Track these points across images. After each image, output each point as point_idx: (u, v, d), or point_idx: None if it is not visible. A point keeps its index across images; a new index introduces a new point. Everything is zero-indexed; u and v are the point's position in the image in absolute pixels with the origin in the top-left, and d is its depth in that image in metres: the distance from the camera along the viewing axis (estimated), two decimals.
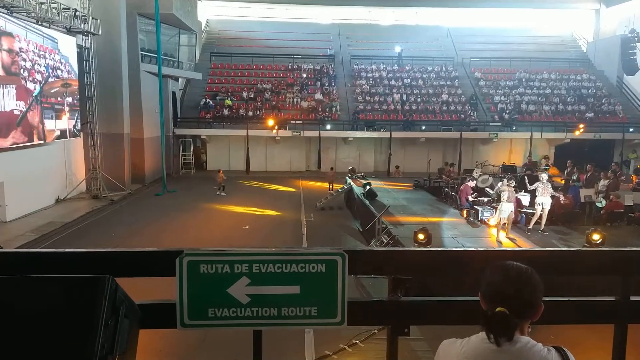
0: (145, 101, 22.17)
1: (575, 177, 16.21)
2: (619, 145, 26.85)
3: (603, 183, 14.20)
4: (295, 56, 31.99)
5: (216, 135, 26.91)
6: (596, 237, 9.54)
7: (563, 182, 16.15)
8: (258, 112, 27.96)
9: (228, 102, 28.40)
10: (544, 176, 12.13)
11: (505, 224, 11.24)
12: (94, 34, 18.50)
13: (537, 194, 11.80)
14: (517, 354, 1.50)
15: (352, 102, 29.17)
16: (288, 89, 29.80)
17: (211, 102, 28.28)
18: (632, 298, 2.22)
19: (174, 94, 26.58)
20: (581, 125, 25.69)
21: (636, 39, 29.16)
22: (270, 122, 26.07)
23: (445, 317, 2.25)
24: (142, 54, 22.14)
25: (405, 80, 30.97)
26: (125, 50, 20.26)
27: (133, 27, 21.14)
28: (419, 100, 29.38)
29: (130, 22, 20.79)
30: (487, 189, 14.60)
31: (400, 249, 2.38)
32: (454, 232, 11.36)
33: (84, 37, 18.35)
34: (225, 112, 27.72)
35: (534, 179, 15.48)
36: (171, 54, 25.43)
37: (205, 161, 28.21)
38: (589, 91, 30.11)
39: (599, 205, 13.46)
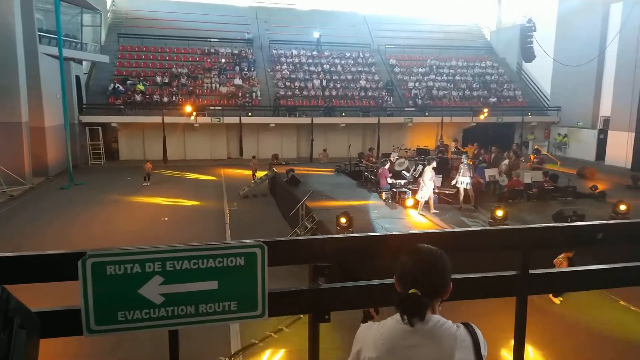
0: (46, 86, 20.26)
1: (480, 159, 17.16)
2: (518, 127, 29.00)
3: (505, 163, 15.19)
4: (211, 39, 30.91)
5: (128, 122, 25.35)
6: (499, 213, 10.41)
7: (470, 162, 17.67)
8: (174, 97, 26.73)
9: (140, 87, 26.83)
10: (464, 158, 13.23)
11: (426, 201, 12.01)
12: None
13: (459, 174, 12.88)
14: (429, 332, 1.58)
15: (272, 88, 28.85)
16: (205, 74, 28.81)
17: (121, 87, 26.52)
18: (531, 272, 2.40)
19: (77, 78, 24.51)
20: (485, 110, 27.10)
21: (533, 28, 31.45)
22: (188, 108, 25.05)
23: (363, 301, 2.32)
24: (40, 35, 20.13)
25: (324, 66, 31.18)
26: (19, 30, 18.27)
27: (28, 4, 19.10)
28: (338, 86, 29.65)
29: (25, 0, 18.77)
30: (403, 171, 15.16)
31: (318, 237, 2.40)
32: (374, 214, 11.75)
33: None
34: (138, 97, 26.15)
35: (445, 162, 16.49)
36: (73, 35, 23.42)
37: (118, 150, 26.55)
38: (492, 77, 32.24)
39: (501, 183, 14.43)
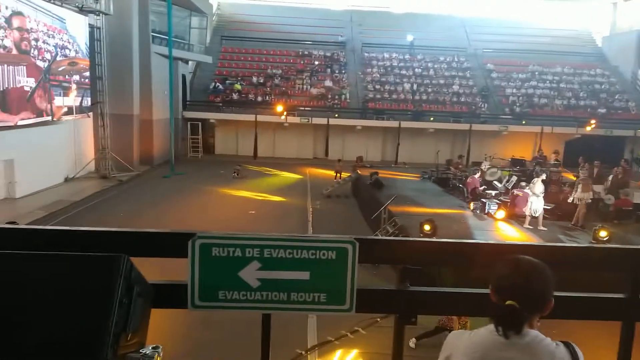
0: (155, 83, 22.18)
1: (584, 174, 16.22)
2: (630, 142, 26.75)
3: (609, 179, 14.30)
4: (305, 42, 31.74)
5: (225, 119, 26.91)
6: (603, 234, 9.59)
7: (575, 178, 15.86)
8: (267, 97, 27.89)
9: (237, 86, 28.35)
10: (582, 173, 12.49)
11: (534, 216, 11.40)
12: (105, 14, 18.47)
13: (576, 190, 12.01)
14: (525, 348, 1.52)
15: (362, 91, 28.95)
16: (298, 75, 29.68)
17: (221, 86, 28.24)
18: None
19: (184, 77, 26.56)
20: (592, 121, 25.28)
21: None
22: (279, 108, 26.01)
23: (453, 307, 2.28)
24: (153, 35, 22.09)
25: (416, 69, 30.70)
26: (136, 31, 20.22)
27: (145, 7, 21.06)
28: (429, 90, 29.10)
29: (142, 3, 20.72)
30: (495, 182, 14.64)
31: (411, 239, 2.39)
32: (460, 225, 11.34)
33: (95, 16, 18.32)
34: (235, 96, 27.70)
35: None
36: (182, 36, 25.34)
37: (214, 145, 28.28)
38: (602, 86, 29.74)
39: (607, 202, 13.40)
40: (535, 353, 1.51)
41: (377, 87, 29.10)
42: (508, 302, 1.52)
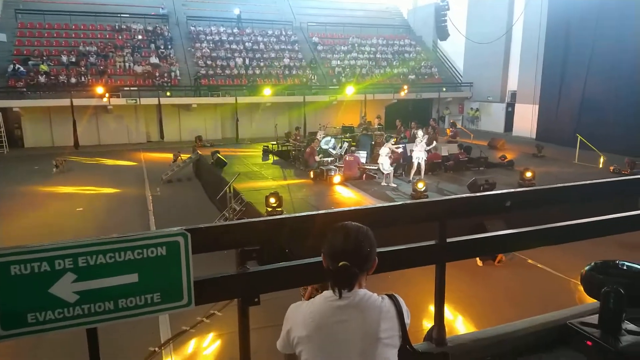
0: None
1: (402, 135, 17.78)
2: (435, 103, 30.14)
3: (425, 137, 16.09)
4: (122, 15, 28.87)
5: (33, 106, 23.16)
6: (420, 185, 11.06)
7: (395, 139, 17.67)
8: (82, 78, 24.79)
9: (44, 67, 24.56)
10: (418, 134, 13.50)
11: (388, 174, 12.75)
12: None
13: (414, 148, 13.34)
14: (356, 307, 1.64)
15: (192, 67, 27.62)
16: (117, 52, 26.91)
17: (22, 68, 24.11)
18: (448, 240, 2.53)
19: None
20: (405, 87, 27.45)
21: (447, 7, 32.59)
22: (99, 89, 23.30)
23: (293, 281, 2.33)
24: None
25: (246, 44, 30.37)
26: None
27: None
28: (261, 64, 28.95)
29: None
30: (330, 149, 15.34)
31: (243, 220, 2.38)
32: (303, 193, 11.85)
33: None
34: (42, 79, 23.96)
35: (368, 138, 16.89)
36: None
37: (22, 137, 24.28)
38: (411, 55, 33.20)
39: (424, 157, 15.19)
40: (364, 309, 1.64)
41: (209, 62, 27.94)
42: (341, 263, 1.64)
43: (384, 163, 12.75)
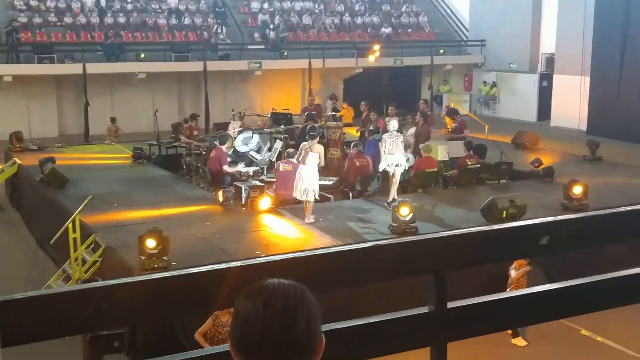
0: None
1: (372, 127, 13.88)
2: (427, 74, 22.84)
3: (412, 132, 13.16)
4: None
5: None
6: (405, 211, 8.70)
7: (358, 133, 14.72)
8: None
9: None
10: (393, 124, 10.55)
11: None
12: None
13: (385, 152, 10.49)
14: None
15: (3, 12, 19.87)
16: None
17: None
18: (450, 305, 1.82)
19: None
20: (376, 47, 20.26)
21: None
22: None
23: None
24: None
25: None
26: None
27: None
28: (128, 8, 21.29)
29: None
30: (251, 153, 12.63)
31: (98, 283, 1.34)
32: (205, 230, 9.26)
33: None
34: None
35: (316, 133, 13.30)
36: None
37: None
38: None
39: (407, 164, 11.96)
40: None
41: (33, 3, 19.93)
42: None
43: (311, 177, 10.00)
